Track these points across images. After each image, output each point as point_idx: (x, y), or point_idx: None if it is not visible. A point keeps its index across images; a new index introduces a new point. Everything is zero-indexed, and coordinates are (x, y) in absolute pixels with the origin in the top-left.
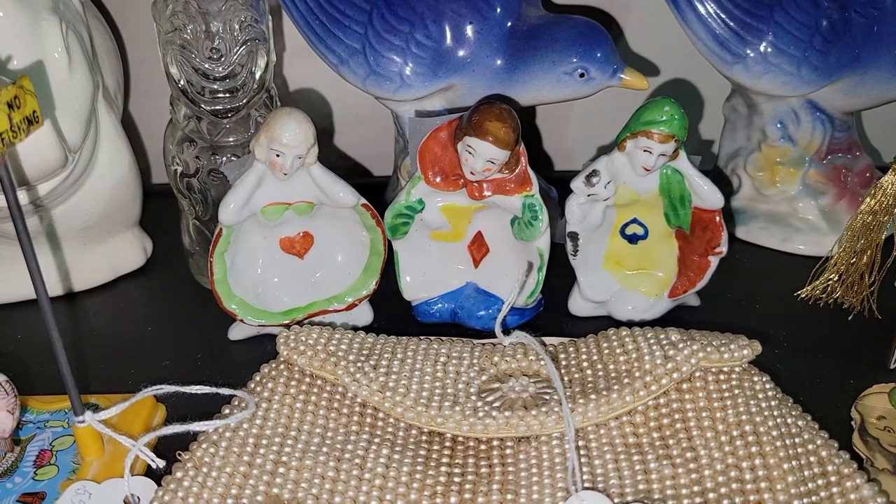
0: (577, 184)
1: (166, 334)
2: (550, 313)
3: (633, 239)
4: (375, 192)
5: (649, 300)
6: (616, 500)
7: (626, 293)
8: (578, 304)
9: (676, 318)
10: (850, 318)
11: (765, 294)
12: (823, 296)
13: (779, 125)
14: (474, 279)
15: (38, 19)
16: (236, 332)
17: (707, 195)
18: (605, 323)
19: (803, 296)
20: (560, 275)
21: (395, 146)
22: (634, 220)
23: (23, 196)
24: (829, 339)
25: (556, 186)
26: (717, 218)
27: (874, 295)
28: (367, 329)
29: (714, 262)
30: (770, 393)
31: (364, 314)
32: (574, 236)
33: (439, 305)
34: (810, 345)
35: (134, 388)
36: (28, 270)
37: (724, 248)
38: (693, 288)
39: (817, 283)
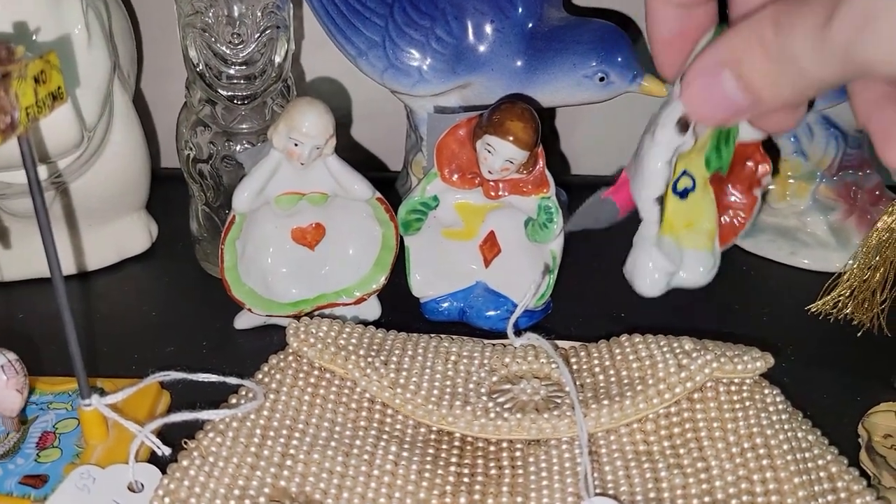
0: (666, 135)
1: (171, 320)
2: (558, 316)
3: (684, 194)
4: (386, 186)
5: (710, 255)
6: None
7: (689, 254)
8: (652, 281)
9: (685, 327)
10: (859, 334)
11: (772, 307)
12: (833, 311)
13: (792, 139)
14: (485, 279)
15: None
16: (242, 322)
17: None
18: (616, 328)
19: (813, 310)
20: (568, 277)
21: (406, 141)
22: (685, 173)
23: (41, 172)
24: (837, 354)
25: (565, 189)
26: (759, 148)
27: (884, 312)
28: (374, 324)
29: (759, 196)
30: (780, 406)
31: (372, 309)
32: (661, 201)
33: (448, 304)
34: (818, 360)
35: (137, 372)
36: (44, 249)
37: (768, 168)
38: (742, 231)
39: (828, 298)
